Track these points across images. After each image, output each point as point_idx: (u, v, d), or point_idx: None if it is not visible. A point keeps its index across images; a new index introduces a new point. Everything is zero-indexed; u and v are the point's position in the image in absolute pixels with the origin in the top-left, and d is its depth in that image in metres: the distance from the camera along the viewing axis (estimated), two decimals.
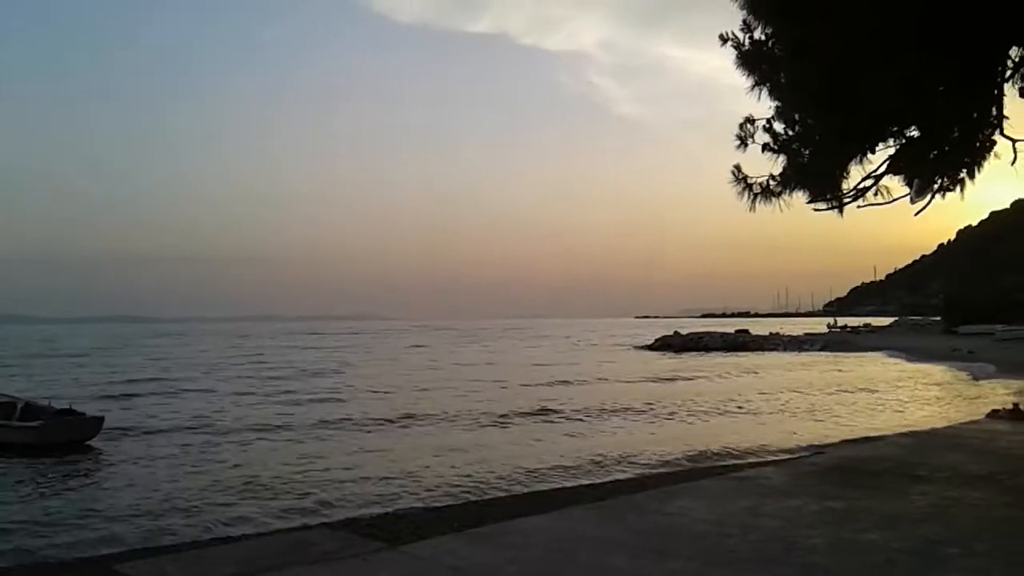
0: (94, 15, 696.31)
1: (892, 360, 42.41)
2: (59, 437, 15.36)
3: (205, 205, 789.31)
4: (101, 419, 16.55)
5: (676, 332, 64.30)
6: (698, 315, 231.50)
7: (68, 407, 17.31)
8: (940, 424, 15.59)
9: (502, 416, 20.26)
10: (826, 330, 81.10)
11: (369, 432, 18.06)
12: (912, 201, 10.51)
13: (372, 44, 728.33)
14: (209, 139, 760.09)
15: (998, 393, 21.89)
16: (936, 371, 33.71)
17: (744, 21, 10.30)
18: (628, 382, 31.26)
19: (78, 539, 9.25)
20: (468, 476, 12.37)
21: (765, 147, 10.67)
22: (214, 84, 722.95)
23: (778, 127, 10.61)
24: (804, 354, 51.79)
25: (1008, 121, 9.52)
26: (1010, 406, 14.89)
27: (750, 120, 10.69)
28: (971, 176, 10.27)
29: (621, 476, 12.40)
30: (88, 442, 15.75)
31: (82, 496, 11.57)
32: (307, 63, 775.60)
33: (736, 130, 10.76)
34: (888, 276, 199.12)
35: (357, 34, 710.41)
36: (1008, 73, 9.33)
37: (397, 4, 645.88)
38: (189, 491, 11.77)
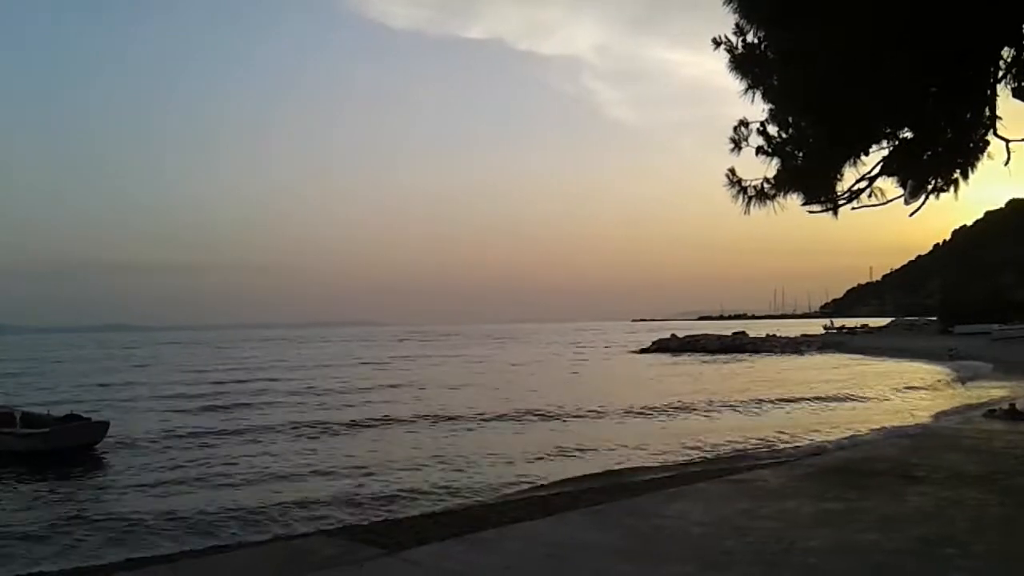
0: (91, 26, 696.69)
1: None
2: (66, 442, 15.28)
3: (200, 213, 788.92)
4: (106, 423, 16.51)
5: (673, 335, 64.88)
6: (694, 317, 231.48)
7: (72, 413, 17.29)
8: None
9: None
10: (822, 331, 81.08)
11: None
12: (906, 202, 10.54)
13: (367, 51, 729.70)
14: (205, 147, 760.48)
15: None
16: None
17: (737, 24, 10.32)
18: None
19: (75, 548, 9.23)
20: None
21: (759, 150, 10.68)
22: (210, 92, 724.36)
23: (772, 130, 10.61)
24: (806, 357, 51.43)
25: (1001, 121, 9.54)
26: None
27: (744, 123, 10.70)
28: (965, 177, 10.29)
29: (621, 479, 12.38)
30: (93, 447, 15.69)
31: (80, 504, 11.55)
32: (301, 70, 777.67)
33: (730, 133, 10.79)
34: (884, 277, 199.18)
35: (351, 41, 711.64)
36: (1000, 73, 9.35)
37: (391, 11, 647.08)
38: (187, 499, 11.74)
